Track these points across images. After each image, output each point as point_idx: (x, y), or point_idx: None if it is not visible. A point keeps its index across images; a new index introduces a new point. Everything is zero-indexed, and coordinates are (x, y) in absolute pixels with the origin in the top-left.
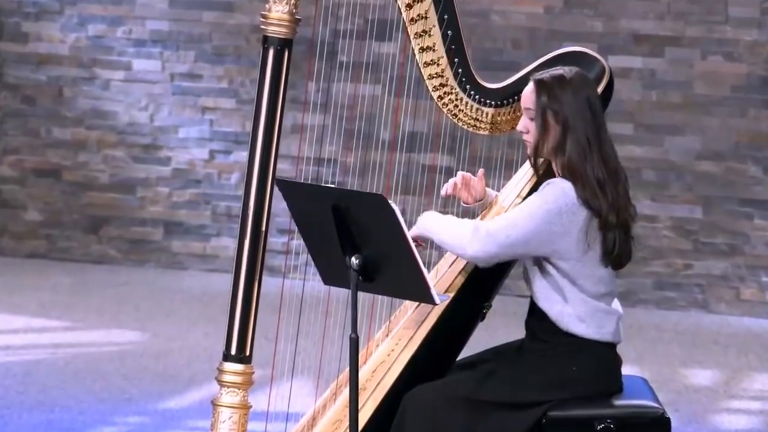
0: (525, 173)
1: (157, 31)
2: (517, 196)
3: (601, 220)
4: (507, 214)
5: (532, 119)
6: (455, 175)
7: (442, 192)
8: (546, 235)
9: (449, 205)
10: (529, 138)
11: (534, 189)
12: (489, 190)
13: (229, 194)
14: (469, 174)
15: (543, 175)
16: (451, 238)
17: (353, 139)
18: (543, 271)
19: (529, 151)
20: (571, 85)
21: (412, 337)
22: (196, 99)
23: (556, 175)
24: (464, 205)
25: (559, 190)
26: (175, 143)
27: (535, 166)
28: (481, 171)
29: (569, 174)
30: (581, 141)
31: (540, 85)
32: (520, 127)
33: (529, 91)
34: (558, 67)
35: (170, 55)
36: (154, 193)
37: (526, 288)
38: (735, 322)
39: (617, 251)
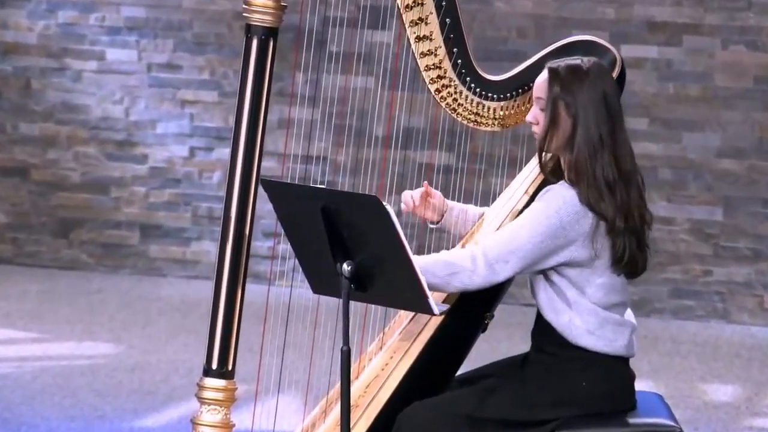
0: (530, 172)
1: (133, 18)
2: (524, 192)
3: (608, 224)
4: (504, 234)
5: (542, 110)
6: (453, 174)
7: (402, 207)
8: (550, 251)
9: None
10: (538, 130)
11: (540, 189)
12: (449, 201)
13: (211, 194)
14: (424, 188)
15: (550, 173)
16: (446, 278)
17: (344, 135)
18: (548, 279)
19: (537, 143)
20: (587, 76)
21: (408, 350)
22: (175, 91)
23: (564, 173)
24: (431, 225)
25: (560, 199)
26: (153, 139)
27: (541, 161)
28: (425, 183)
29: (574, 173)
30: (592, 138)
31: (554, 74)
32: (529, 117)
33: (542, 80)
34: (575, 57)
35: (147, 44)
36: (129, 194)
37: (531, 296)
38: (758, 333)
39: (627, 258)
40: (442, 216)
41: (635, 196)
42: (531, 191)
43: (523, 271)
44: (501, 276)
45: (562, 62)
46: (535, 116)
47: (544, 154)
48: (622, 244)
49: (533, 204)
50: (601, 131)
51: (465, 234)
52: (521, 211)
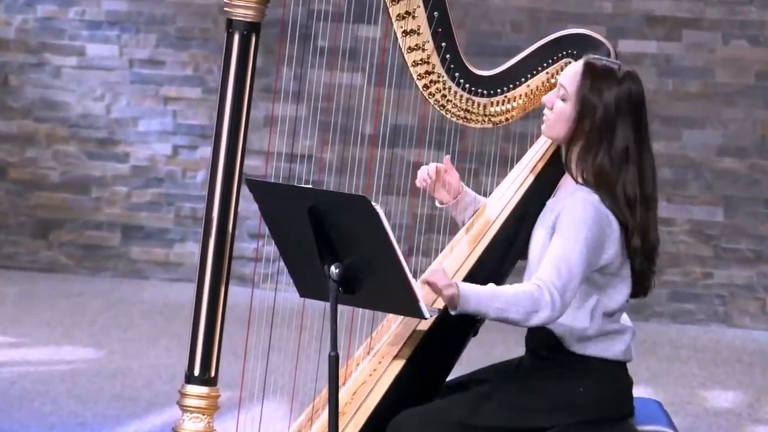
0: (533, 155)
1: (114, 12)
2: (531, 171)
3: (625, 239)
4: (555, 259)
5: (563, 99)
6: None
7: (417, 183)
8: (596, 258)
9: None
10: (550, 116)
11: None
12: (467, 189)
13: (195, 194)
14: (442, 165)
15: (552, 157)
16: (516, 315)
17: (330, 132)
18: None
19: (545, 129)
20: (619, 83)
21: (397, 355)
22: (157, 88)
23: (576, 172)
24: (439, 205)
25: (589, 206)
26: (135, 137)
27: (562, 153)
28: (446, 158)
29: (594, 180)
30: (618, 149)
31: (590, 69)
32: (545, 99)
33: (574, 71)
34: (614, 60)
35: (128, 39)
36: (110, 194)
37: None
38: (760, 338)
39: (638, 279)
40: (456, 198)
41: (652, 220)
42: (539, 168)
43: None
44: (567, 302)
45: (600, 60)
46: (552, 101)
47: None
48: (640, 264)
49: (561, 220)
50: (629, 145)
51: (467, 222)
52: (523, 204)
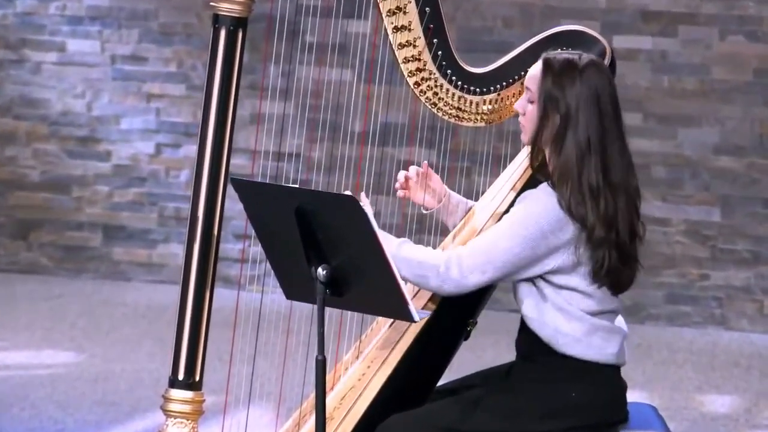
0: (516, 167)
1: (95, 7)
2: (511, 188)
3: (587, 232)
4: (482, 242)
5: (531, 102)
6: (435, 172)
7: (399, 194)
8: (530, 261)
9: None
10: (524, 122)
11: (527, 186)
12: (451, 192)
13: (179, 194)
14: (423, 168)
15: (537, 169)
16: (416, 278)
17: (319, 130)
18: (533, 285)
19: (523, 137)
20: (581, 74)
21: (386, 359)
22: (140, 85)
23: (550, 173)
24: (425, 211)
25: (540, 207)
26: (117, 136)
27: (531, 155)
28: (425, 164)
29: (559, 174)
30: (580, 140)
31: (547, 66)
32: (517, 105)
33: (535, 70)
34: (575, 51)
35: (110, 35)
36: (92, 193)
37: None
38: (758, 341)
39: (606, 271)
40: (440, 202)
41: (624, 207)
42: (519, 186)
43: (502, 279)
44: (472, 285)
45: (558, 54)
46: (523, 106)
47: (531, 148)
48: (601, 256)
49: (513, 209)
50: (590, 135)
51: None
52: (506, 211)
